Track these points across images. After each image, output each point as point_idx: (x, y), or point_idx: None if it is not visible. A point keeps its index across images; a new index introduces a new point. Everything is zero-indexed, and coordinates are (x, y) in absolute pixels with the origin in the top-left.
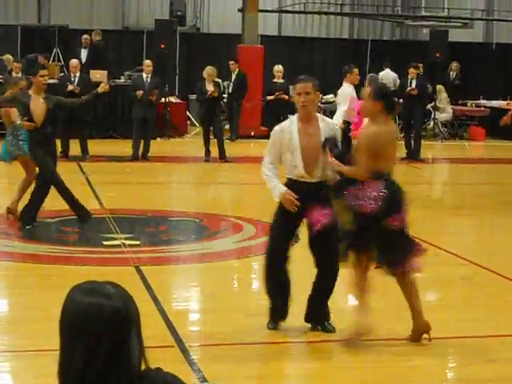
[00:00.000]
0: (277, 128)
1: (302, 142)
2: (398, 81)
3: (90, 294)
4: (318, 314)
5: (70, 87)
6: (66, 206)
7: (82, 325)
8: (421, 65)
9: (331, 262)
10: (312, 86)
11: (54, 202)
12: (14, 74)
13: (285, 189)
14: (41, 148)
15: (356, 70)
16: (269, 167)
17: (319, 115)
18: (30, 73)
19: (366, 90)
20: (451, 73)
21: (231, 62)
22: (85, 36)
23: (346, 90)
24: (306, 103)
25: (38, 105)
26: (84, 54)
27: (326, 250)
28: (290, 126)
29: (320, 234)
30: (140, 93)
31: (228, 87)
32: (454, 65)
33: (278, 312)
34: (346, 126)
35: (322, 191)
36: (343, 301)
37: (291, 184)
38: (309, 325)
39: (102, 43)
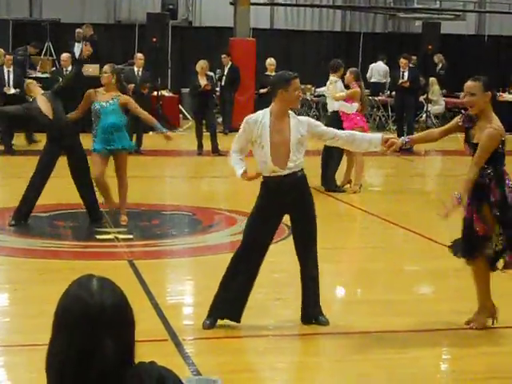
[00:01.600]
0: (251, 118)
1: (272, 137)
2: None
3: (79, 289)
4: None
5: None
6: (59, 201)
7: (68, 318)
8: (415, 57)
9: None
10: None
11: (45, 196)
12: (5, 67)
13: (243, 169)
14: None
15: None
16: (236, 153)
17: (291, 112)
18: None
19: (476, 85)
20: (437, 65)
21: (223, 56)
22: (78, 30)
23: (340, 84)
24: (300, 99)
25: (42, 103)
26: (78, 47)
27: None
28: (262, 119)
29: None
30: (131, 86)
31: (220, 80)
32: (437, 56)
33: (221, 309)
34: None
35: (297, 179)
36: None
37: (269, 182)
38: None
39: (95, 37)
